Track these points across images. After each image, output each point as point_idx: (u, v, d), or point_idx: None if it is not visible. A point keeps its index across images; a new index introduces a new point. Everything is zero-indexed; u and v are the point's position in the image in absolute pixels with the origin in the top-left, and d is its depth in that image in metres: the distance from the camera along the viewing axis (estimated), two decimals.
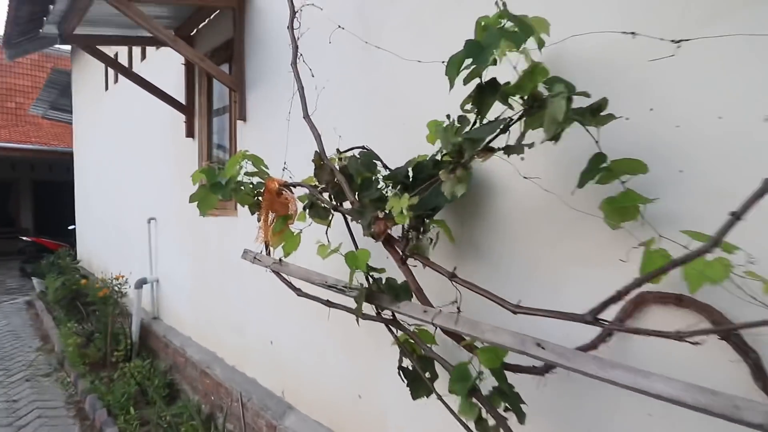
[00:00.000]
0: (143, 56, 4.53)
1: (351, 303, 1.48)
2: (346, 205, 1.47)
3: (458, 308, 1.17)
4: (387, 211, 1.22)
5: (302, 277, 1.59)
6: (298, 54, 1.72)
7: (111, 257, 5.84)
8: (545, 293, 1.27)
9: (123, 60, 4.85)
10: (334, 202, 1.48)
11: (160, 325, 4.21)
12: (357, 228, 1.49)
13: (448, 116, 1.10)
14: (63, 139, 10.47)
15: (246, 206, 1.76)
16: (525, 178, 1.18)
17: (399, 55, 1.62)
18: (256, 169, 1.78)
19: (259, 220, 1.73)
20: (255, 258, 1.76)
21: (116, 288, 4.41)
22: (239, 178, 1.68)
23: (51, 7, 2.46)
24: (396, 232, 1.40)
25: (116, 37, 3.21)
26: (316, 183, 1.56)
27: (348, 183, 1.42)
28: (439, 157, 1.47)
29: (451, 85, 1.08)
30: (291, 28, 1.71)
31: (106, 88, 5.80)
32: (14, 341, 5.23)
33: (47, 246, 8.77)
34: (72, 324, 4.86)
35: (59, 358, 4.51)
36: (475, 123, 1.08)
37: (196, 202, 1.65)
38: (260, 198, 1.71)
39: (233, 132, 2.93)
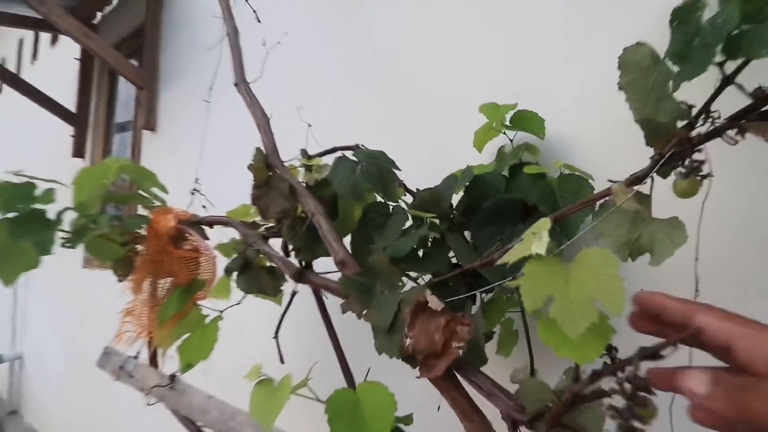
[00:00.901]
0: (34, 56, 3.52)
1: None
2: (324, 266, 0.66)
3: None
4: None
5: (216, 426, 0.72)
6: None
7: None
8: None
9: (11, 65, 3.79)
10: (298, 261, 0.67)
11: (19, 426, 2.92)
12: (350, 324, 0.67)
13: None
14: None
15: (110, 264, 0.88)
16: None
17: None
18: (145, 194, 0.94)
19: (133, 294, 0.85)
20: (122, 369, 0.86)
21: None
22: (93, 210, 0.81)
23: None
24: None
25: None
26: (257, 218, 0.75)
27: (327, 217, 0.63)
28: (505, 172, 0.75)
29: None
30: None
31: None
32: None
33: None
34: None
35: None
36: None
37: None
38: (138, 248, 0.85)
39: (138, 146, 2.03)
